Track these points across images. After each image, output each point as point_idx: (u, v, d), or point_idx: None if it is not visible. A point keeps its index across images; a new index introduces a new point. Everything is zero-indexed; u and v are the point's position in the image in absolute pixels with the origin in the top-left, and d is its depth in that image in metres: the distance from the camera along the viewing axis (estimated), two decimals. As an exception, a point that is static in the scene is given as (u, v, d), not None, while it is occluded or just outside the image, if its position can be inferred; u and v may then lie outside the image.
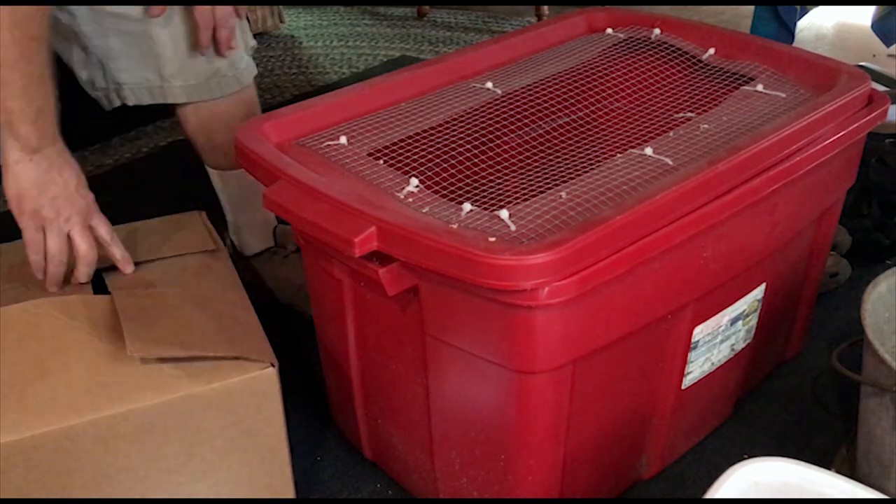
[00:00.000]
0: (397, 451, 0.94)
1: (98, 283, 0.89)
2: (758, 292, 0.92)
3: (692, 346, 0.87)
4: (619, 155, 0.82)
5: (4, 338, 0.79)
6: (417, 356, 0.81)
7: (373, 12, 2.74)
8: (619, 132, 1.00)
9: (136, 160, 1.71)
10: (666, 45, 1.07)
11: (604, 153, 0.91)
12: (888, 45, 1.40)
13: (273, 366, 0.79)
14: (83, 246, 0.86)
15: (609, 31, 1.12)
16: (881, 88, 1.09)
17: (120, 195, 0.98)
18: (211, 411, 0.78)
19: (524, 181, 0.89)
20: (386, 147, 0.87)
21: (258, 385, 0.79)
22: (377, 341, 0.87)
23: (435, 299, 0.75)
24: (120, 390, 0.75)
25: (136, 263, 0.92)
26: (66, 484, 0.75)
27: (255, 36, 1.19)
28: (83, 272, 0.87)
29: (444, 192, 0.81)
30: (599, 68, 1.03)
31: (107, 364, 0.78)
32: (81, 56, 1.05)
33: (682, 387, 0.90)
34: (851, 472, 0.94)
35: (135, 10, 1.00)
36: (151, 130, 1.82)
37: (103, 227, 0.88)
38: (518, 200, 0.76)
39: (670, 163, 0.79)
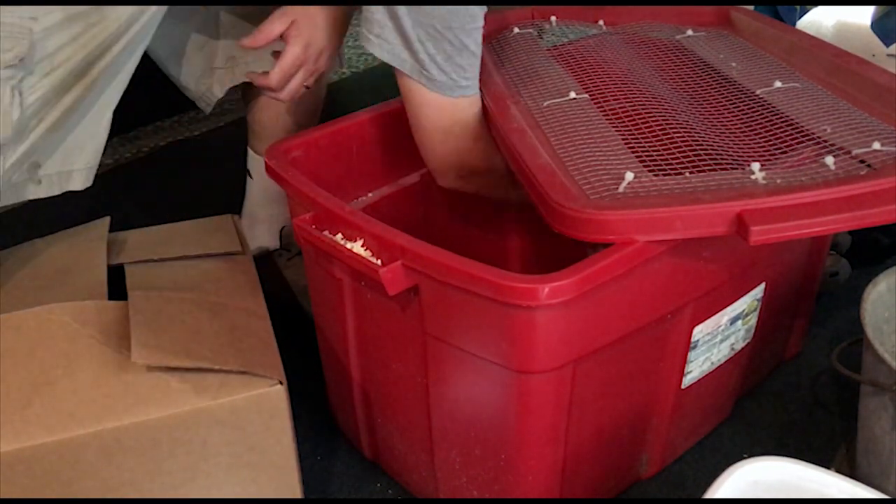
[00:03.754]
0: (397, 451, 0.94)
1: (119, 275, 0.89)
2: (757, 292, 0.92)
3: (692, 345, 0.87)
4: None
5: (16, 343, 0.79)
6: (417, 356, 0.81)
7: (373, 12, 2.74)
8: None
9: (136, 160, 1.71)
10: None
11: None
12: (888, 44, 1.39)
13: (281, 383, 0.78)
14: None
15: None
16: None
17: (120, 195, 0.98)
18: (217, 427, 0.77)
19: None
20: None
21: (266, 402, 0.78)
22: (377, 341, 0.87)
23: (435, 299, 0.75)
24: (125, 402, 0.75)
25: (160, 261, 0.92)
26: (67, 495, 0.74)
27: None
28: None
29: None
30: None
31: (114, 374, 0.77)
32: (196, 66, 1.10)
33: (682, 386, 0.90)
34: (851, 472, 0.94)
35: None
36: (151, 130, 1.82)
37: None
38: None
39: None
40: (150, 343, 0.78)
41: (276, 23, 0.95)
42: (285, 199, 1.19)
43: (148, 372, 0.77)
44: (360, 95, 2.11)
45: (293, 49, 0.95)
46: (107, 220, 0.98)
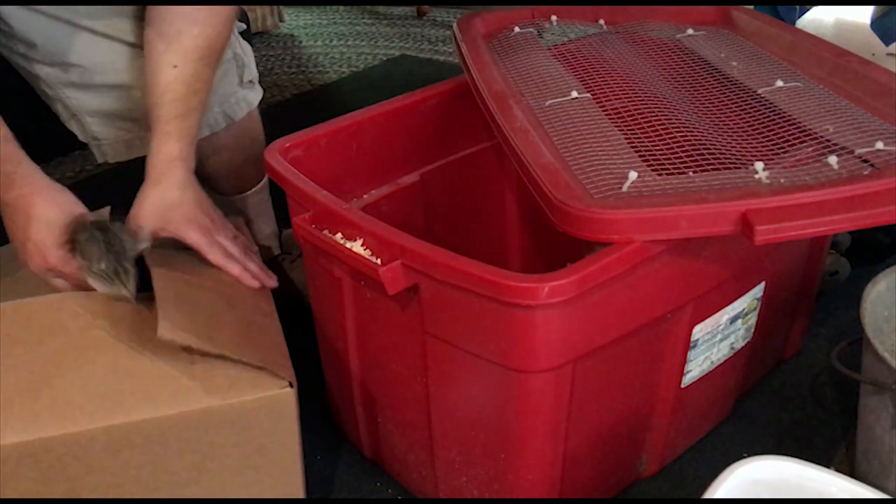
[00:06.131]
0: (397, 450, 0.94)
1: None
2: (757, 291, 0.92)
3: (692, 344, 0.87)
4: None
5: (27, 332, 0.78)
6: (417, 355, 0.81)
7: (372, 11, 2.74)
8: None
9: (136, 160, 1.70)
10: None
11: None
12: (887, 43, 1.39)
13: (292, 385, 0.78)
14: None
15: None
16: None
17: (120, 195, 0.98)
18: (225, 427, 0.77)
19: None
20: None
21: (275, 404, 0.78)
22: (377, 340, 0.87)
23: (435, 299, 0.75)
24: (134, 398, 0.74)
25: (176, 249, 0.91)
26: (73, 490, 0.74)
27: (255, 35, 1.19)
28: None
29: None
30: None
31: (124, 369, 0.77)
32: (64, 112, 1.04)
33: (682, 385, 0.90)
34: (851, 471, 0.94)
35: (119, 63, 0.99)
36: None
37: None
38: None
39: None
40: (175, 320, 0.77)
41: (145, 243, 0.87)
42: (261, 218, 1.20)
43: (158, 368, 0.77)
44: (360, 95, 2.11)
45: (198, 241, 0.88)
46: (106, 209, 0.98)
